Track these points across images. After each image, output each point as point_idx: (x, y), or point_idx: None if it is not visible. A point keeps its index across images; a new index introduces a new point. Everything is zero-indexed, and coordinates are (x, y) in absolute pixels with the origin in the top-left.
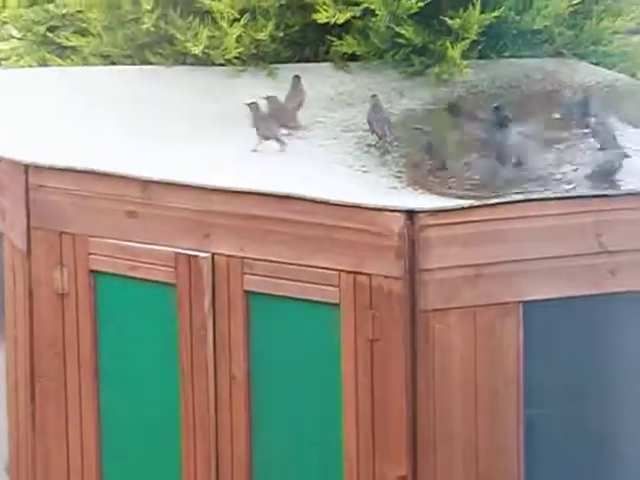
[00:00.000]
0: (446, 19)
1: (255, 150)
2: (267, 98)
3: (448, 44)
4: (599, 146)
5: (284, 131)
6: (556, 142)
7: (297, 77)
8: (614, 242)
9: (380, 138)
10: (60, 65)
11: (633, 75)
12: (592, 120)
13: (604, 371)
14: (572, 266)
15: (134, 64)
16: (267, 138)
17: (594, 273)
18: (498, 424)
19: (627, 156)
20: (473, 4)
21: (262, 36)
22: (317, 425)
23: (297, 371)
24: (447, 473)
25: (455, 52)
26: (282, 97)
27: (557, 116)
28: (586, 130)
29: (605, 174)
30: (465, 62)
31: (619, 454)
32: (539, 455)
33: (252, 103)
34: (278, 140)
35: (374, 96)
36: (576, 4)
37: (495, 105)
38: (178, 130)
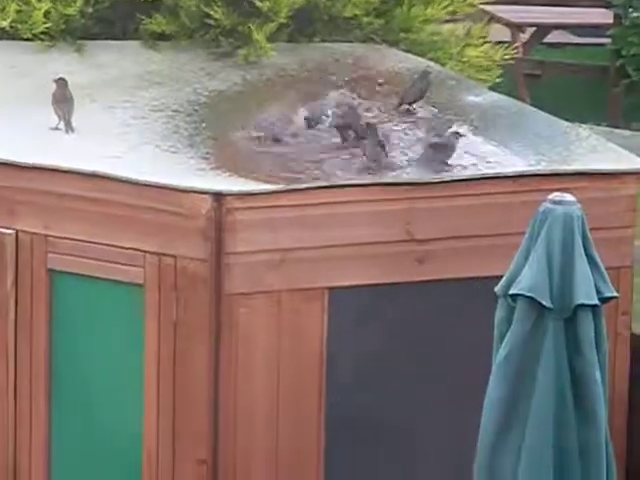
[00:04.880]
0: (255, 1)
1: (56, 128)
2: (57, 81)
3: (255, 26)
4: (431, 129)
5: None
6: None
7: (63, 80)
8: (422, 230)
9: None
10: None
11: (443, 65)
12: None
13: (408, 360)
14: (380, 253)
15: None
16: (58, 117)
17: (401, 261)
18: (300, 409)
19: (460, 135)
20: None
21: (71, 11)
22: (118, 408)
23: (100, 352)
24: (247, 457)
25: (260, 35)
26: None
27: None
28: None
29: (437, 156)
30: (272, 45)
31: (418, 444)
32: (338, 440)
33: (59, 79)
34: (66, 123)
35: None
36: None
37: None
38: None
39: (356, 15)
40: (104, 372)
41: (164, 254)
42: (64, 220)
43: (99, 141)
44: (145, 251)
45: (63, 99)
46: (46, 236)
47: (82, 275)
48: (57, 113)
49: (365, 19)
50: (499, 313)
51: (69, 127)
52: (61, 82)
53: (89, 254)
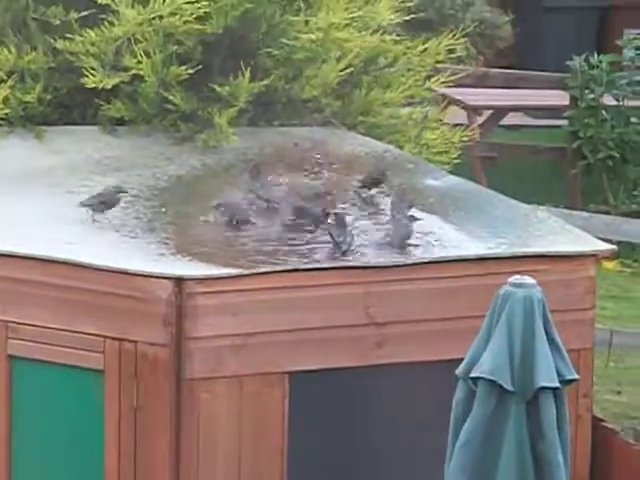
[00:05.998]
0: (215, 86)
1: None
2: None
3: (215, 111)
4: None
5: None
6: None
7: None
8: (382, 314)
9: None
10: None
11: (401, 147)
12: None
13: (369, 444)
14: (340, 337)
15: None
16: None
17: (361, 345)
18: None
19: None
20: (243, 72)
21: (30, 98)
22: None
23: (60, 438)
24: None
25: (222, 119)
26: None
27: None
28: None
29: (396, 243)
30: (232, 130)
31: None
32: None
33: None
34: None
35: None
36: (345, 74)
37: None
38: None
39: (314, 96)
40: (64, 459)
41: (124, 339)
42: (24, 306)
43: (58, 226)
44: (105, 336)
45: None
46: (6, 322)
47: (42, 361)
48: None
49: (324, 100)
50: (458, 394)
51: None
52: None
53: (49, 340)
